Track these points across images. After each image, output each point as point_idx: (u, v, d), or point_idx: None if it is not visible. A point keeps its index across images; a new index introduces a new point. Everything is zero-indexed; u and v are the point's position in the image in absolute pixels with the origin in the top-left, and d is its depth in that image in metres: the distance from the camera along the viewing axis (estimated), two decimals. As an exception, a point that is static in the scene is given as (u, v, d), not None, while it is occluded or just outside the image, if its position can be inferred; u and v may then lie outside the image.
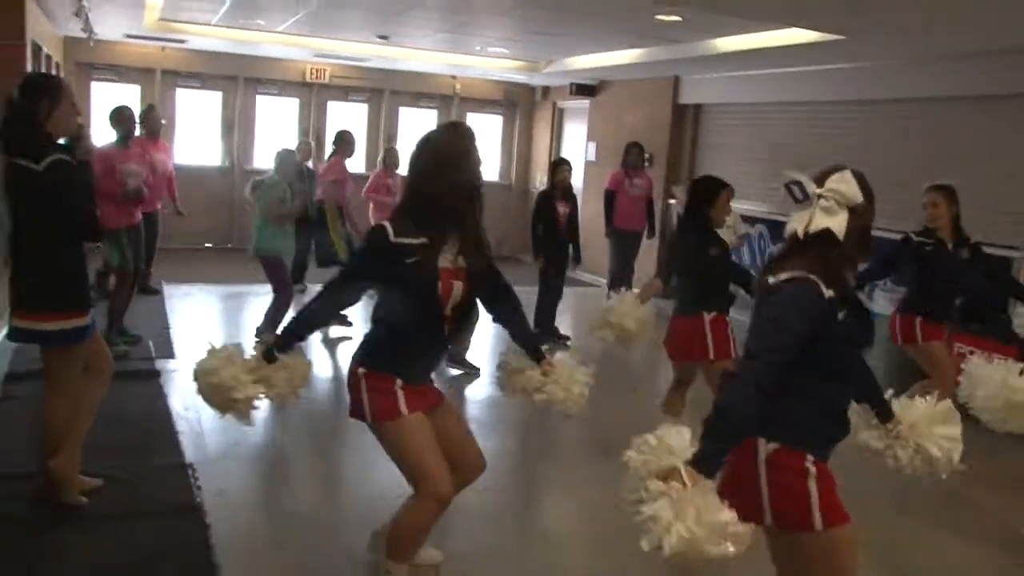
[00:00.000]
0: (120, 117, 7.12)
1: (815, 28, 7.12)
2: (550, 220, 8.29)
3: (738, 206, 9.10)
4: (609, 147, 12.31)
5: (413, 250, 3.13)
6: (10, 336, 4.16)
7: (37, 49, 8.27)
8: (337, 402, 6.34)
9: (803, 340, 2.47)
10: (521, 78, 13.40)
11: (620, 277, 10.37)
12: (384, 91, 13.86)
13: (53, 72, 9.82)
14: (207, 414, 5.62)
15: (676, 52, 9.34)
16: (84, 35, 9.25)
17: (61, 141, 4.07)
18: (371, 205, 10.12)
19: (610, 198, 10.11)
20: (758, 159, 10.17)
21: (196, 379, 3.58)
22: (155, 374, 6.46)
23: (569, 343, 8.37)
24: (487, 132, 14.26)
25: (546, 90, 14.41)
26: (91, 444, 4.63)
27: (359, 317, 7.77)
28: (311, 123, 13.46)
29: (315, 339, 8.03)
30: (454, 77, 13.89)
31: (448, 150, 3.24)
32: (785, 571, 2.71)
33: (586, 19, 8.06)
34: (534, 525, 4.54)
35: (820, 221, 2.53)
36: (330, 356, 7.78)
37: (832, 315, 2.53)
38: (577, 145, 13.48)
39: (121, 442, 5.00)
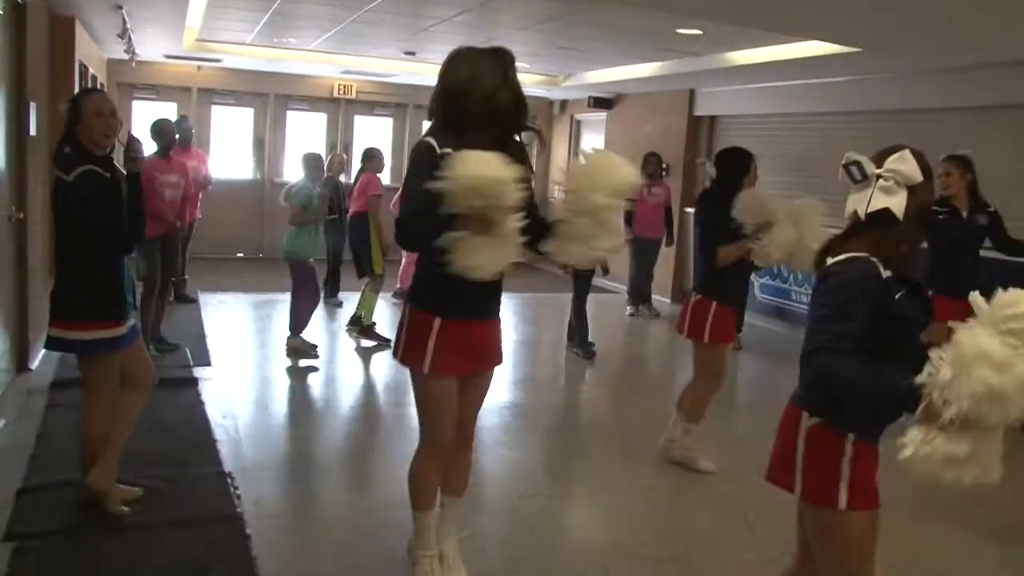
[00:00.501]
0: (160, 130, 7.06)
1: (834, 41, 6.96)
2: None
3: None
4: (626, 157, 12.09)
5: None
6: (47, 344, 4.04)
7: (84, 70, 8.22)
8: (369, 411, 6.23)
9: (866, 321, 2.38)
10: (540, 92, 13.23)
11: (640, 285, 10.25)
12: (408, 105, 13.75)
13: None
14: (244, 422, 5.58)
15: (693, 65, 9.19)
16: (127, 56, 9.17)
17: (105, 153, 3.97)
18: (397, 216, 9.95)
19: (629, 207, 9.96)
20: (773, 169, 9.97)
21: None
22: (193, 382, 6.32)
23: (595, 348, 8.20)
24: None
25: (564, 103, 14.27)
26: (129, 452, 4.49)
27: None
28: (339, 137, 13.38)
29: (347, 348, 7.93)
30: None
31: (478, 70, 3.10)
32: (805, 540, 2.71)
33: (611, 34, 7.91)
34: (572, 533, 4.37)
35: (880, 201, 2.47)
36: (363, 366, 7.65)
37: (889, 294, 2.43)
38: (595, 156, 13.30)
39: (159, 450, 4.86)
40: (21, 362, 6.19)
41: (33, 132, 6.26)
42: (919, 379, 2.22)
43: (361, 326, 8.14)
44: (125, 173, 4.03)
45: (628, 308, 10.29)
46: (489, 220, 2.95)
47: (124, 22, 7.93)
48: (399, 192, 9.03)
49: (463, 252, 2.95)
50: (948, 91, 7.78)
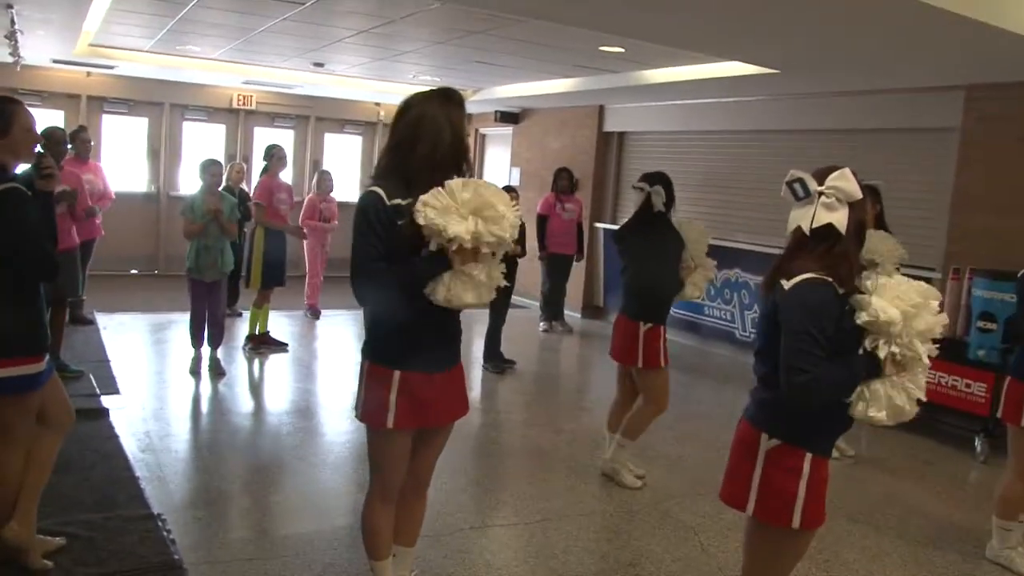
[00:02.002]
0: (50, 139, 6.49)
1: (753, 62, 7.02)
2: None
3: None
4: (533, 173, 12.08)
5: (404, 211, 2.85)
6: None
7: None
8: (292, 432, 5.89)
9: (829, 339, 2.47)
10: (446, 105, 13.03)
11: (554, 300, 10.15)
12: (310, 117, 13.36)
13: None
14: (165, 456, 5.17)
15: (607, 82, 9.15)
16: (11, 60, 8.52)
17: (20, 170, 3.56)
18: (304, 230, 9.63)
19: (542, 222, 9.89)
20: (680, 184, 10.01)
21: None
22: (103, 412, 5.84)
23: (515, 366, 8.05)
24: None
25: (468, 116, 14.07)
26: (43, 495, 4.06)
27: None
28: (238, 148, 12.85)
29: (254, 366, 7.58)
30: (378, 104, 13.46)
31: (429, 117, 2.96)
32: (745, 551, 2.81)
33: (532, 50, 7.77)
34: (527, 564, 4.17)
35: (823, 216, 2.54)
36: (272, 382, 7.30)
37: (842, 310, 2.53)
38: (499, 171, 13.19)
39: (77, 493, 4.44)
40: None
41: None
42: (860, 321, 2.48)
43: (255, 340, 8.06)
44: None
45: (541, 324, 10.17)
46: (476, 251, 2.81)
47: (12, 23, 7.35)
48: (304, 209, 8.69)
49: (453, 286, 2.82)
50: (854, 113, 7.96)
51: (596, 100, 10.68)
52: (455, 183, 2.81)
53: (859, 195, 2.56)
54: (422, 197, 2.78)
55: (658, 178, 5.08)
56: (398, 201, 2.87)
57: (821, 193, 2.56)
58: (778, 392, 2.54)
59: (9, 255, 3.37)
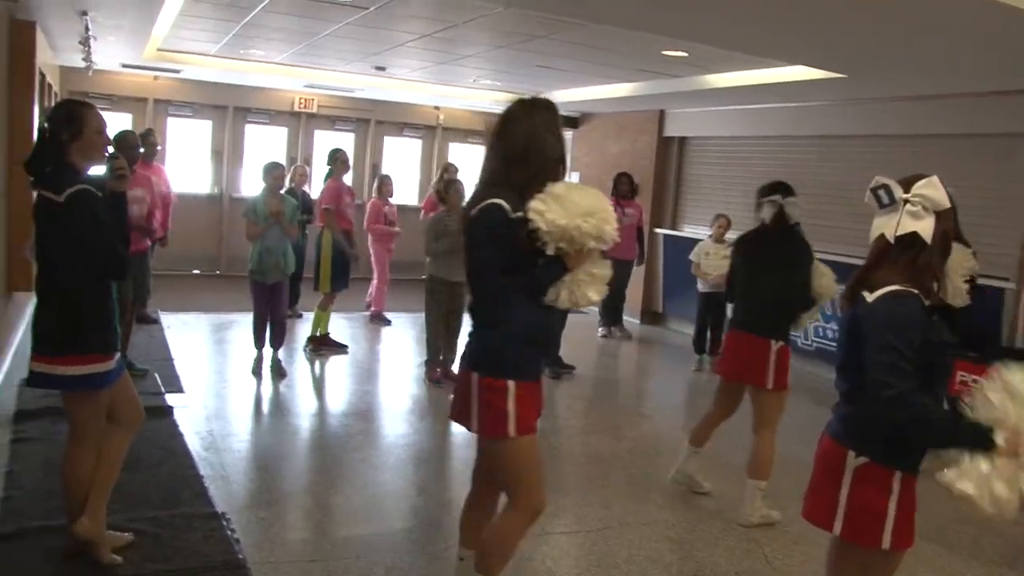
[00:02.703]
0: (123, 143, 6.62)
1: (820, 67, 6.89)
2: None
3: (731, 235, 8.90)
4: (593, 177, 12.01)
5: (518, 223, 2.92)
6: (29, 381, 3.62)
7: (42, 78, 7.77)
8: (353, 434, 5.91)
9: (915, 351, 2.37)
10: (504, 110, 13.05)
11: (613, 306, 10.07)
12: (370, 121, 13.46)
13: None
14: (229, 456, 5.23)
15: (668, 86, 9.07)
16: (83, 64, 8.72)
17: (94, 171, 3.63)
18: (370, 236, 9.69)
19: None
20: (741, 190, 9.93)
21: None
22: (167, 411, 5.93)
23: (574, 372, 8.01)
24: (469, 162, 13.91)
25: (528, 122, 14.05)
26: (114, 491, 4.15)
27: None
28: (299, 151, 13.00)
29: (315, 367, 7.65)
30: (438, 108, 13.53)
31: (539, 132, 3.03)
32: (830, 570, 2.69)
33: (594, 54, 7.73)
34: (592, 573, 4.13)
35: (908, 224, 2.46)
36: (332, 383, 7.35)
37: (929, 323, 2.44)
38: (558, 175, 13.14)
39: (143, 490, 4.50)
40: (-21, 391, 5.77)
41: (-8, 146, 5.87)
42: (978, 416, 2.30)
43: (316, 341, 8.13)
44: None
45: (600, 330, 10.11)
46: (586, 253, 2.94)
47: (87, 29, 7.52)
48: (367, 214, 8.68)
49: (575, 287, 2.93)
50: (920, 118, 7.78)
51: (657, 104, 10.59)
52: (559, 188, 2.88)
53: (947, 204, 2.48)
54: (533, 205, 2.84)
55: (786, 188, 4.80)
56: (520, 214, 2.90)
57: (907, 201, 2.47)
58: (862, 408, 2.47)
59: (81, 254, 3.45)
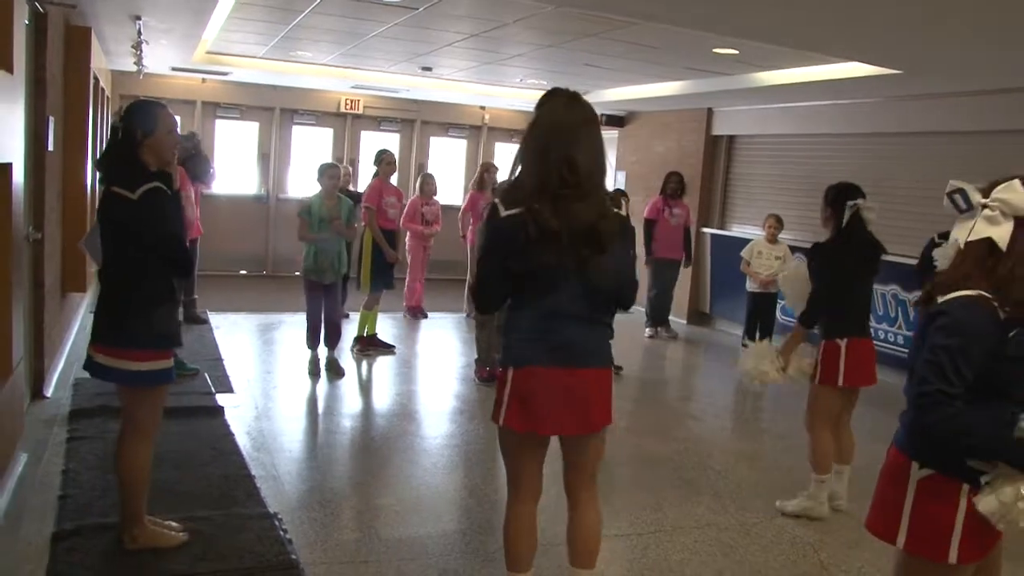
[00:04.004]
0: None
1: (875, 63, 6.78)
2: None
3: (783, 237, 8.79)
4: (639, 176, 11.96)
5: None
6: (92, 371, 3.70)
7: (95, 82, 7.91)
8: (403, 434, 5.93)
9: (981, 364, 2.25)
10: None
11: (660, 306, 10.01)
12: (415, 121, 13.54)
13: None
14: (280, 456, 5.26)
15: (716, 84, 8.98)
16: (134, 68, 8.86)
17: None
18: (407, 234, 9.76)
19: (649, 227, 9.76)
20: (789, 189, 9.82)
21: None
22: (218, 411, 5.99)
23: (621, 372, 7.96)
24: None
25: (574, 121, 14.01)
26: (163, 490, 4.25)
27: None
28: (345, 152, 13.10)
29: (362, 367, 7.69)
30: (483, 107, 13.55)
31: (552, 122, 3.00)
32: None
33: (644, 52, 7.67)
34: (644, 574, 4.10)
35: (981, 230, 2.33)
36: (379, 383, 7.39)
37: (1004, 335, 2.28)
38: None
39: (197, 489, 4.55)
40: (36, 389, 5.87)
41: (51, 147, 5.97)
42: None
43: (363, 341, 8.18)
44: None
45: (647, 330, 10.05)
46: None
47: (139, 33, 7.64)
48: (405, 211, 8.76)
49: None
50: (980, 114, 7.60)
51: (705, 103, 10.50)
52: None
53: None
54: None
55: (859, 190, 4.79)
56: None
57: (984, 206, 2.35)
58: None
59: (151, 251, 3.53)
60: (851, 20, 5.28)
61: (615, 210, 3.00)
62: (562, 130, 2.94)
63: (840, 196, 4.75)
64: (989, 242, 2.32)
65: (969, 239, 2.35)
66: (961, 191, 2.39)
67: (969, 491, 2.32)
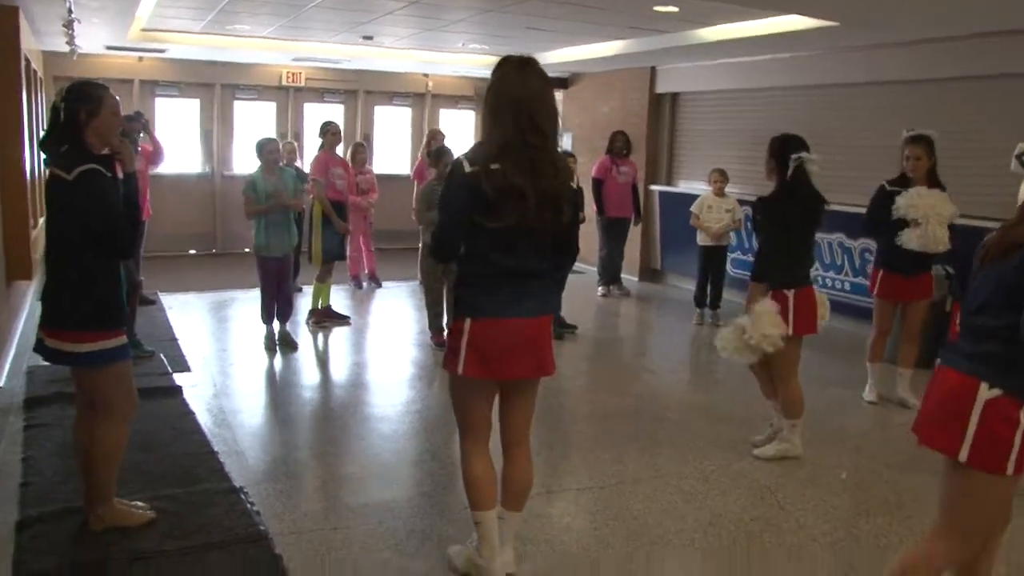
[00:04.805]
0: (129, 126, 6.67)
1: (812, 15, 6.86)
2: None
3: (729, 190, 8.92)
4: (584, 138, 12.01)
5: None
6: (46, 356, 3.69)
7: (27, 64, 7.71)
8: (359, 402, 5.98)
9: None
10: (495, 73, 12.99)
11: (612, 264, 10.11)
12: (358, 91, 13.41)
13: (38, 85, 9.26)
14: (240, 431, 5.28)
15: (659, 43, 9.02)
16: (67, 48, 8.66)
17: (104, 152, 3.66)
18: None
19: (598, 187, 9.82)
20: (734, 144, 9.93)
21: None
22: (176, 390, 5.96)
23: (576, 331, 8.06)
24: (460, 128, 13.88)
25: (517, 84, 13.99)
26: (128, 471, 4.24)
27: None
28: (289, 126, 12.96)
29: (318, 339, 7.70)
30: (426, 75, 13.46)
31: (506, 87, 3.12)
32: (946, 496, 2.79)
33: (585, 13, 7.67)
34: (609, 526, 4.19)
35: None
36: (335, 353, 7.41)
37: None
38: (550, 137, 13.12)
39: (161, 469, 4.55)
40: (-12, 379, 5.80)
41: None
42: None
43: (318, 314, 8.18)
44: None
45: (600, 289, 10.14)
46: None
47: (70, 12, 7.45)
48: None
49: None
50: (916, 63, 7.74)
51: (648, 62, 10.55)
52: None
53: None
54: None
55: (800, 143, 4.87)
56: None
57: None
58: (1004, 346, 2.56)
59: (87, 232, 3.50)
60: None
61: (572, 185, 3.23)
62: (521, 94, 3.07)
63: (784, 148, 4.83)
64: None
65: None
66: None
67: None
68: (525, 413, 3.43)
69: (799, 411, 4.97)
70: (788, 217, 4.84)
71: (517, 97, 3.07)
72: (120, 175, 3.67)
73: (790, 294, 4.80)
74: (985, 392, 2.58)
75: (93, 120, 3.53)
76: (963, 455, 2.61)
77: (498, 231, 3.08)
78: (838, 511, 4.37)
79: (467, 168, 3.07)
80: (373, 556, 3.72)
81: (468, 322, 3.19)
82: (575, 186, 3.32)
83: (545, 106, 3.14)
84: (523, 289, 3.20)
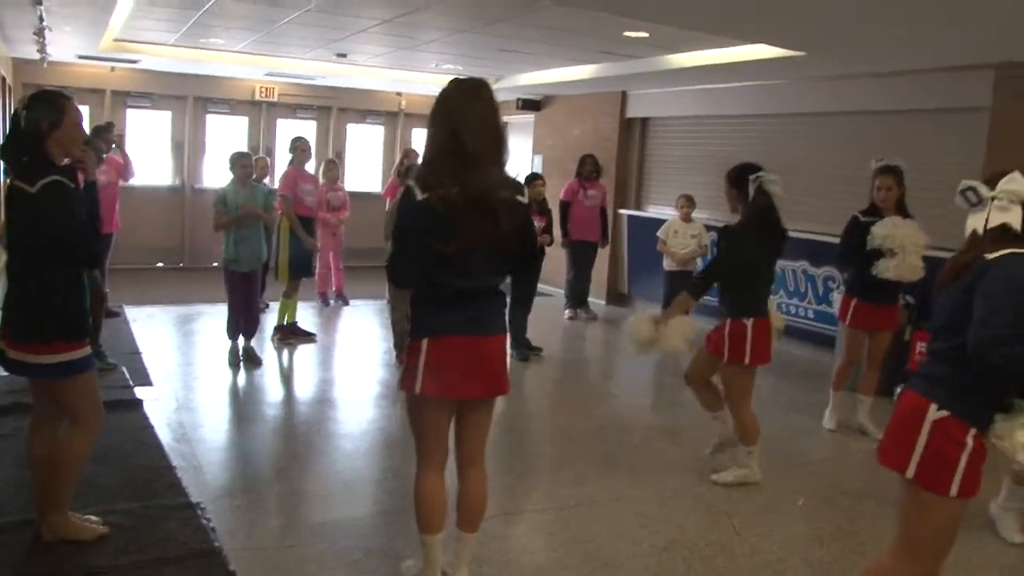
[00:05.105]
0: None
1: (779, 45, 6.98)
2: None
3: (697, 215, 9.02)
4: (556, 160, 12.09)
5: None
6: (2, 363, 3.66)
7: (-5, 71, 7.69)
8: (321, 421, 5.97)
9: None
10: (468, 94, 13.06)
11: (578, 288, 10.16)
12: (332, 108, 13.43)
13: (7, 93, 9.20)
14: (200, 446, 5.25)
15: (630, 68, 9.13)
16: (38, 56, 8.62)
17: (65, 162, 3.65)
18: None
19: (565, 209, 9.90)
20: (703, 170, 10.04)
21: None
22: (136, 404, 5.92)
23: (542, 354, 8.09)
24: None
25: (489, 105, 14.08)
26: (83, 484, 4.19)
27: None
28: (261, 140, 12.94)
29: (283, 356, 7.68)
30: (399, 94, 13.52)
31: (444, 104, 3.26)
32: (899, 514, 2.91)
33: (557, 36, 7.76)
34: (563, 549, 4.21)
35: (997, 218, 2.73)
36: (300, 370, 7.38)
37: None
38: (521, 158, 13.19)
39: (117, 482, 4.51)
40: (-56, 388, 5.72)
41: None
42: None
43: (283, 330, 8.16)
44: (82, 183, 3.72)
45: (567, 312, 10.19)
46: None
47: (41, 19, 7.43)
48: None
49: None
50: (884, 94, 7.89)
51: (619, 86, 10.66)
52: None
53: None
54: None
55: (757, 169, 4.92)
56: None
57: (993, 198, 2.74)
58: (953, 369, 2.71)
59: (51, 243, 3.49)
60: (754, 3, 5.44)
61: (520, 198, 3.26)
62: (452, 108, 3.19)
63: (741, 174, 4.89)
64: (1004, 226, 2.71)
65: (989, 226, 2.74)
66: (972, 188, 2.78)
67: (975, 434, 2.69)
68: (480, 433, 3.45)
69: (755, 437, 5.02)
70: (752, 248, 4.89)
71: (450, 111, 3.18)
72: (82, 184, 3.67)
73: (748, 324, 4.84)
74: (934, 413, 2.72)
75: (55, 131, 3.52)
76: (910, 472, 2.74)
77: (449, 253, 3.11)
78: (793, 537, 4.42)
79: (418, 195, 3.09)
80: (328, 575, 3.71)
81: (425, 342, 3.22)
82: (522, 200, 3.30)
83: (477, 116, 3.19)
84: (477, 308, 3.25)
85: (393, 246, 3.27)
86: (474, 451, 3.46)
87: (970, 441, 2.69)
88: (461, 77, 3.33)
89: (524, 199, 3.29)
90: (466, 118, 3.15)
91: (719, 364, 4.98)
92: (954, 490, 2.68)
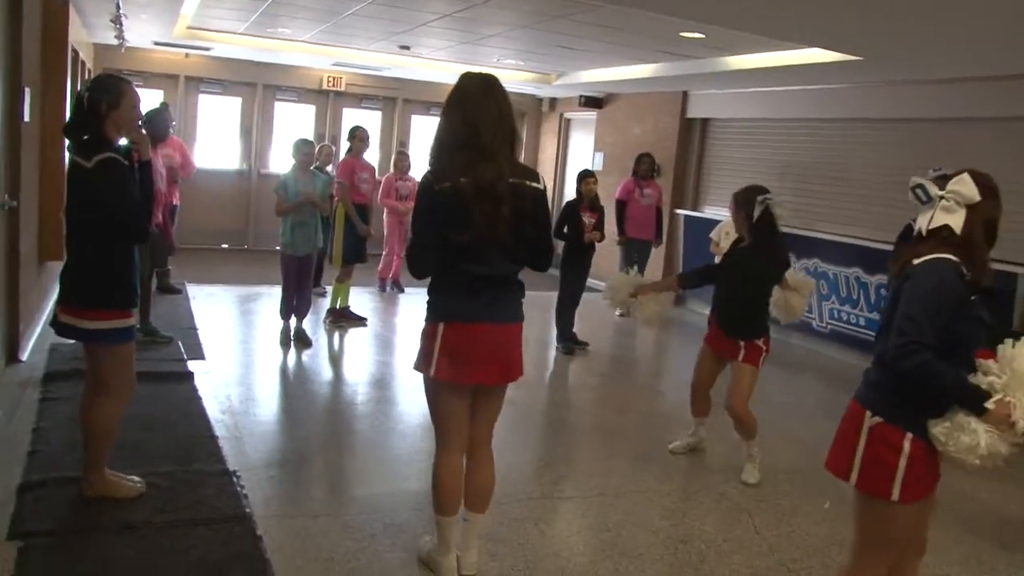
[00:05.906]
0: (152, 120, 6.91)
1: (835, 49, 6.96)
2: (575, 228, 8.06)
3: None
4: (616, 157, 12.15)
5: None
6: (58, 330, 3.92)
7: (75, 55, 8.05)
8: (363, 403, 6.16)
9: (948, 320, 2.61)
10: (530, 89, 13.20)
11: (630, 285, 10.20)
12: (397, 99, 13.68)
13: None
14: (243, 418, 5.48)
15: (689, 68, 9.15)
16: (116, 42, 9.00)
17: (123, 142, 3.89)
18: (384, 209, 9.99)
19: (621, 208, 9.96)
20: (760, 172, 10.00)
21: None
22: (188, 376, 6.19)
23: (588, 348, 8.18)
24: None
25: (553, 101, 14.21)
26: (129, 448, 4.47)
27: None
28: (327, 129, 13.25)
29: (334, 339, 7.90)
30: (463, 87, 13.66)
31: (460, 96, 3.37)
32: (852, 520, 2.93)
33: (613, 35, 7.85)
34: (581, 537, 4.32)
35: (940, 219, 2.73)
36: (350, 354, 7.60)
37: (967, 295, 2.67)
38: (583, 155, 13.29)
39: (160, 447, 4.76)
40: (11, 353, 6.05)
41: (27, 119, 6.11)
42: (980, 383, 2.61)
43: (335, 314, 8.38)
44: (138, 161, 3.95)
45: (618, 309, 10.23)
46: None
47: (118, 7, 7.78)
48: (381, 188, 9.03)
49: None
50: (942, 101, 7.80)
51: (679, 86, 10.69)
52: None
53: (977, 198, 2.71)
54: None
55: (763, 191, 5.11)
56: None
57: (941, 197, 2.74)
58: (885, 374, 2.73)
59: (104, 218, 3.72)
60: (809, 5, 5.45)
61: (532, 183, 3.33)
62: (468, 100, 3.30)
63: (749, 196, 5.06)
64: (947, 228, 2.71)
65: (930, 227, 2.74)
66: (920, 186, 2.79)
67: (912, 439, 2.69)
68: (489, 417, 3.56)
69: (756, 431, 5.18)
70: (764, 272, 5.12)
71: (462, 102, 3.31)
72: (136, 164, 3.91)
73: (759, 341, 5.15)
74: (869, 419, 2.76)
75: (113, 112, 3.75)
76: (852, 478, 2.80)
77: (470, 240, 3.22)
78: (814, 539, 4.44)
79: (436, 186, 3.21)
80: (347, 544, 3.88)
81: (441, 326, 3.34)
82: (535, 185, 3.36)
83: (488, 107, 3.29)
84: (493, 295, 3.34)
85: (412, 236, 3.40)
86: (483, 434, 3.56)
87: (907, 446, 2.69)
88: (473, 71, 3.46)
89: (538, 185, 3.37)
90: (482, 110, 3.26)
91: (735, 366, 5.22)
92: (895, 495, 2.70)
